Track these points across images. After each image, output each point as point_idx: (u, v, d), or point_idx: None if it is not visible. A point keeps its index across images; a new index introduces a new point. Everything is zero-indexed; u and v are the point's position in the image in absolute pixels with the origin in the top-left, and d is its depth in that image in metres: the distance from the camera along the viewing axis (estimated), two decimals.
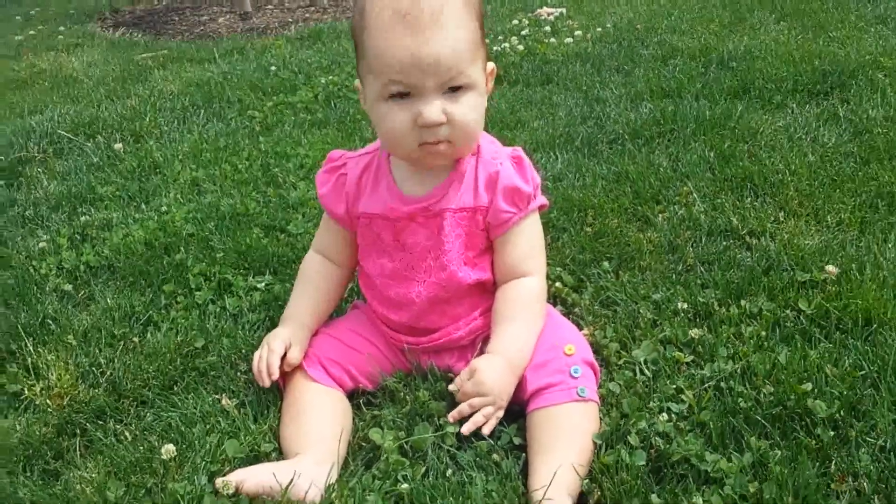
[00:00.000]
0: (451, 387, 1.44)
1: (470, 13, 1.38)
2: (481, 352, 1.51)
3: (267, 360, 1.51)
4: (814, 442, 1.30)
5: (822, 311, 1.62)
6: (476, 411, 1.38)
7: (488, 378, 1.39)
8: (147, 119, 3.37)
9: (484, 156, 1.50)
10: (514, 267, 1.52)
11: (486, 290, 1.56)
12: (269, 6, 6.05)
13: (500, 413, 1.40)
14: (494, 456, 1.36)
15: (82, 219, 2.46)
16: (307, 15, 5.61)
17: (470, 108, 1.39)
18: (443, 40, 1.32)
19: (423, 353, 1.58)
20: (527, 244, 1.52)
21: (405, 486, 1.30)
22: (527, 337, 1.48)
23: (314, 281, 1.65)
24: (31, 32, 5.96)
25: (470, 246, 1.51)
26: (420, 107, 1.35)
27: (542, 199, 1.55)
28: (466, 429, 1.37)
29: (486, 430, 1.38)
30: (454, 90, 1.36)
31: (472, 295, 1.54)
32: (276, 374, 1.51)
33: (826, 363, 1.46)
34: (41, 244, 2.31)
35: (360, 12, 1.39)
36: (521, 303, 1.51)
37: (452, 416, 1.40)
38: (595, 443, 1.35)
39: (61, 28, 5.99)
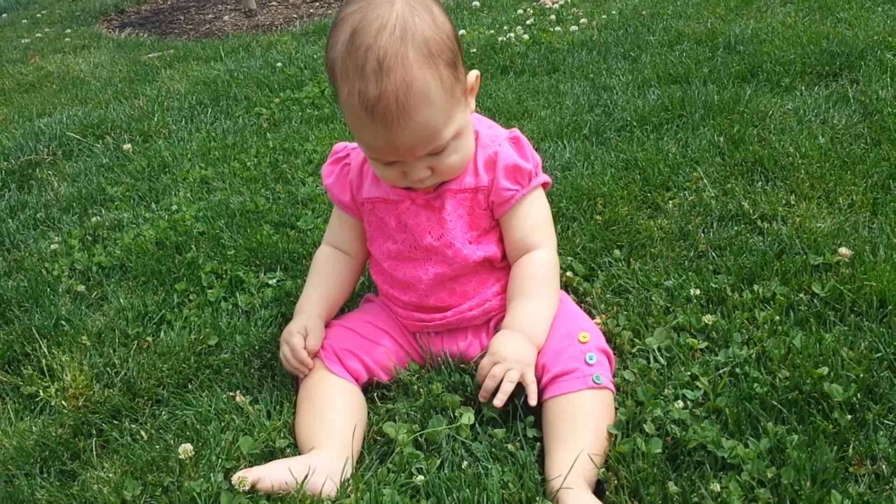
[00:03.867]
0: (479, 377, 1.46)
1: (434, 66, 1.31)
2: (495, 332, 1.51)
3: (294, 357, 1.52)
4: (831, 426, 1.29)
5: (836, 294, 1.61)
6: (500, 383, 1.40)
7: (501, 348, 1.42)
8: (155, 119, 3.38)
9: (482, 139, 1.52)
10: (522, 241, 1.53)
11: (496, 268, 1.57)
12: (274, 3, 6.04)
13: (530, 374, 1.41)
14: (510, 446, 1.36)
15: (93, 220, 2.48)
16: (311, 10, 5.60)
17: (454, 153, 1.42)
18: (414, 127, 1.31)
19: (435, 334, 1.59)
20: (533, 218, 1.54)
21: (420, 478, 1.31)
22: (541, 310, 1.49)
23: (326, 272, 1.66)
24: (38, 35, 5.98)
25: (473, 226, 1.53)
26: (405, 168, 1.40)
27: (544, 177, 1.56)
28: (499, 401, 1.38)
29: (531, 401, 1.39)
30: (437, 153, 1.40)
31: (479, 272, 1.56)
32: (310, 363, 1.52)
33: (841, 346, 1.45)
34: (53, 246, 2.32)
35: (330, 67, 1.36)
36: (534, 278, 1.52)
37: (482, 395, 1.41)
38: (611, 432, 1.34)
39: (68, 30, 6.00)
